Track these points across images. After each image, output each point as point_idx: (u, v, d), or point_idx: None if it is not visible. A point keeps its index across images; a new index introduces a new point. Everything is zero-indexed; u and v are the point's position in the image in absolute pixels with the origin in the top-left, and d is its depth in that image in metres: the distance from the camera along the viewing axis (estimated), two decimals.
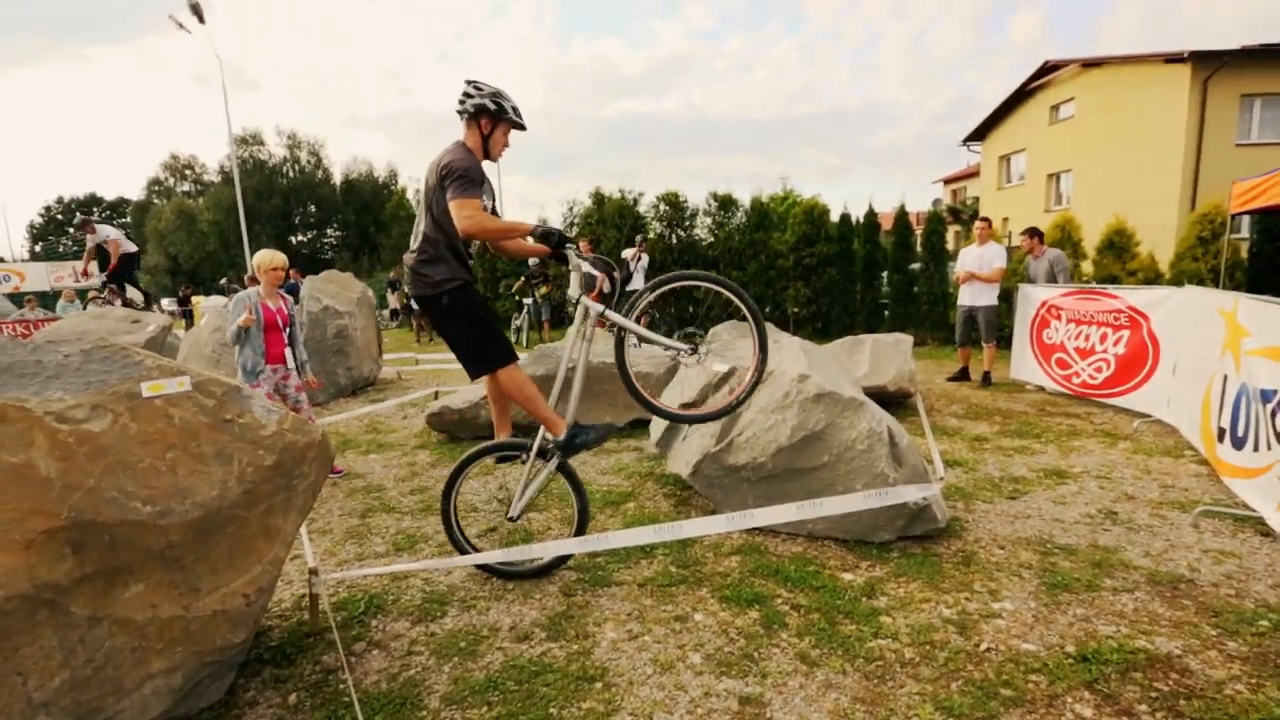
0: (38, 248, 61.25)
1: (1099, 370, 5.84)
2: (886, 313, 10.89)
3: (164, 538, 1.85)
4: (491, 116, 2.68)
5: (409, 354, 11.11)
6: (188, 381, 2.05)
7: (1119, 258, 8.76)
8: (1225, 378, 3.95)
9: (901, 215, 10.50)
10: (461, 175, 2.52)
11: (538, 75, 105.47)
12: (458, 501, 3.03)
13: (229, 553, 2.03)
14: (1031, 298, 6.77)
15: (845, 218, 11.00)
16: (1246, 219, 9.74)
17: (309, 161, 46.00)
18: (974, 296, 7.01)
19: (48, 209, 62.66)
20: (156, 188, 54.17)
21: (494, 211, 2.77)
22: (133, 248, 8.96)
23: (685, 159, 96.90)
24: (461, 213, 2.51)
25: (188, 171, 52.67)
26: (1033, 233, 7.21)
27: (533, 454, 2.85)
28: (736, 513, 2.80)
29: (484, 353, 2.78)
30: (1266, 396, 3.33)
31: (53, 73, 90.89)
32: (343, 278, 8.57)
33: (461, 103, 2.69)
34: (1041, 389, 6.61)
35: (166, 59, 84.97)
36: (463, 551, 2.97)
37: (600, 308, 2.72)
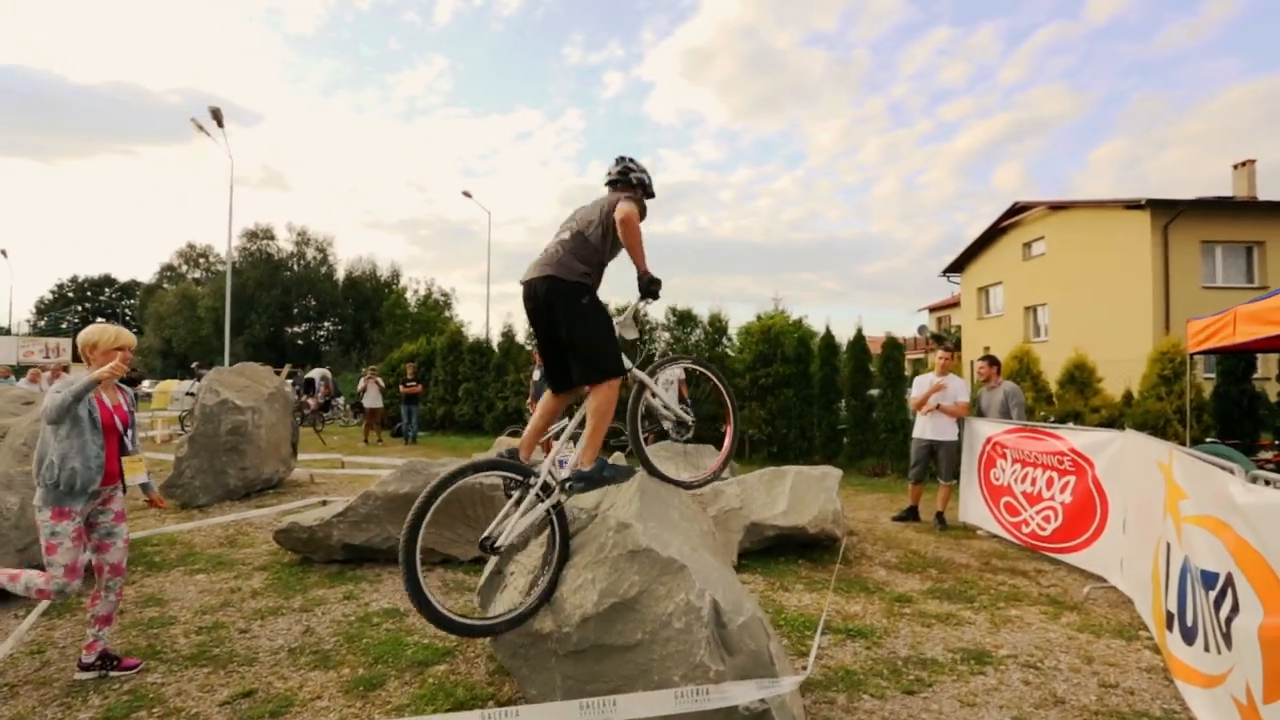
0: (43, 322, 62.06)
1: (1047, 520, 5.15)
2: (845, 439, 10.29)
3: None
4: (646, 191, 3.07)
5: (335, 455, 10.41)
6: None
7: (1081, 393, 8.30)
8: (1169, 546, 3.30)
9: (858, 340, 10.20)
10: (639, 201, 2.89)
11: (555, 192, 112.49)
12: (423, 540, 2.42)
13: None
14: (978, 433, 6.21)
15: (803, 338, 10.72)
16: (1211, 358, 9.39)
17: (315, 257, 47.55)
18: (936, 430, 6.40)
19: (60, 285, 64.17)
20: (169, 273, 55.78)
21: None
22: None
23: (688, 276, 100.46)
24: (629, 206, 2.70)
25: (201, 260, 54.44)
26: (991, 361, 6.73)
27: (537, 485, 2.65)
28: (494, 709, 2.07)
29: (606, 360, 2.76)
30: (1208, 581, 2.67)
31: (101, 163, 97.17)
32: (258, 371, 8.11)
33: (626, 175, 3.02)
34: (996, 537, 5.87)
35: (207, 158, 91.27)
36: (424, 605, 2.35)
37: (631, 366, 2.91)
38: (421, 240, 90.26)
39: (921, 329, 31.43)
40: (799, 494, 5.29)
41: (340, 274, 49.23)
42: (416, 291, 48.33)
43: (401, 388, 14.24)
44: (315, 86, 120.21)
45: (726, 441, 3.61)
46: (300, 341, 46.78)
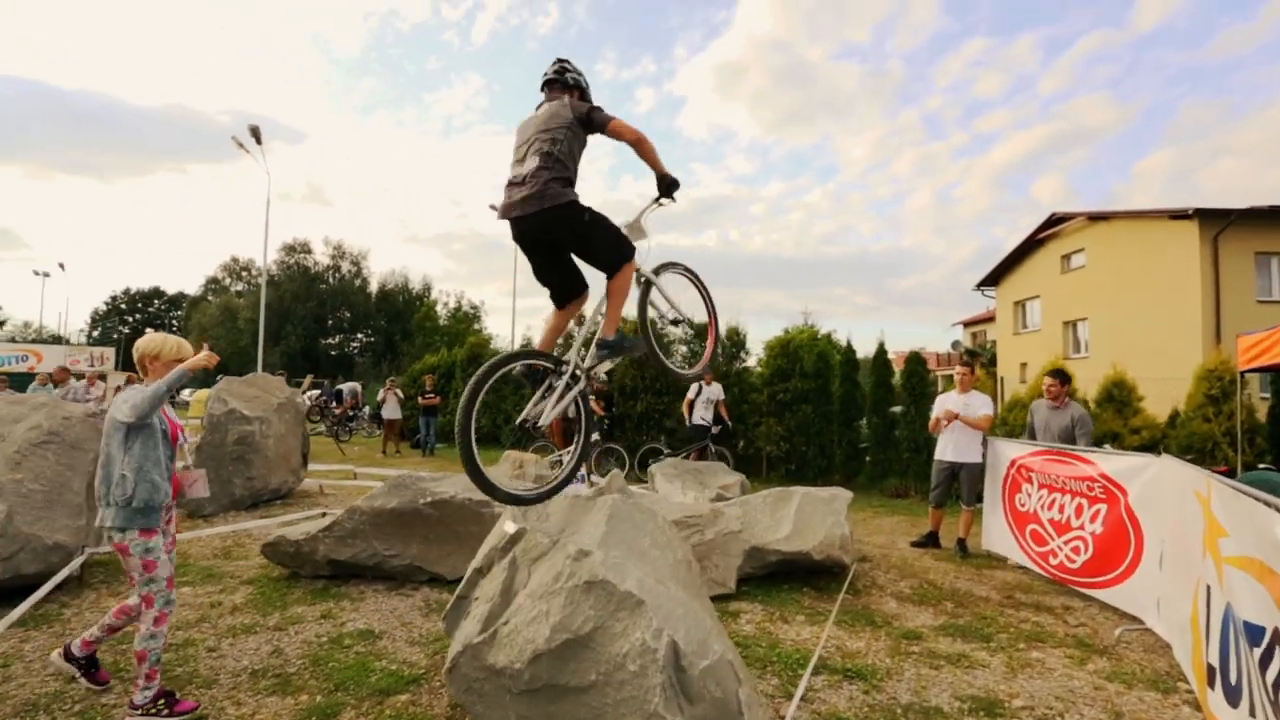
0: (96, 332, 65.00)
1: (1076, 551, 4.74)
2: (867, 458, 9.87)
3: None
4: (584, 93, 3.04)
5: (348, 466, 10.43)
6: None
7: (1119, 412, 7.78)
8: (1209, 589, 2.94)
9: (880, 355, 9.81)
10: (602, 108, 2.87)
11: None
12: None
13: None
14: (1002, 454, 5.81)
15: (822, 353, 10.37)
16: (1265, 377, 8.73)
17: (350, 270, 48.79)
18: (958, 452, 6.01)
19: (113, 298, 67.13)
20: (213, 286, 57.94)
21: None
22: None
23: (718, 290, 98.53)
24: (630, 125, 2.81)
25: (243, 273, 56.40)
26: (1061, 377, 5.77)
27: (568, 373, 2.84)
28: None
29: (621, 248, 2.89)
30: (1253, 636, 2.33)
31: (155, 181, 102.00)
32: (269, 381, 8.16)
33: (560, 74, 3.01)
34: (1022, 568, 5.45)
35: (252, 175, 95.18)
36: (482, 480, 2.50)
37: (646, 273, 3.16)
38: (455, 254, 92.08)
39: (955, 344, 30.49)
40: (805, 517, 5.00)
41: (373, 287, 50.44)
42: (446, 304, 49.17)
43: (420, 399, 14.30)
44: (356, 105, 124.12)
45: (709, 341, 3.93)
46: (334, 353, 47.92)
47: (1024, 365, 19.91)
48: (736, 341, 11.43)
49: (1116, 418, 7.78)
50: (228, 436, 7.02)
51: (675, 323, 3.55)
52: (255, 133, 24.04)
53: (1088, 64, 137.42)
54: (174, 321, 63.63)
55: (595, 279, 3.04)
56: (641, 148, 2.83)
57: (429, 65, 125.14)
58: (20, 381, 15.85)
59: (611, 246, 2.86)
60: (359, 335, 50.28)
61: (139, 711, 2.79)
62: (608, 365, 3.09)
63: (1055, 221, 20.15)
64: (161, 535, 2.90)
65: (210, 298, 54.56)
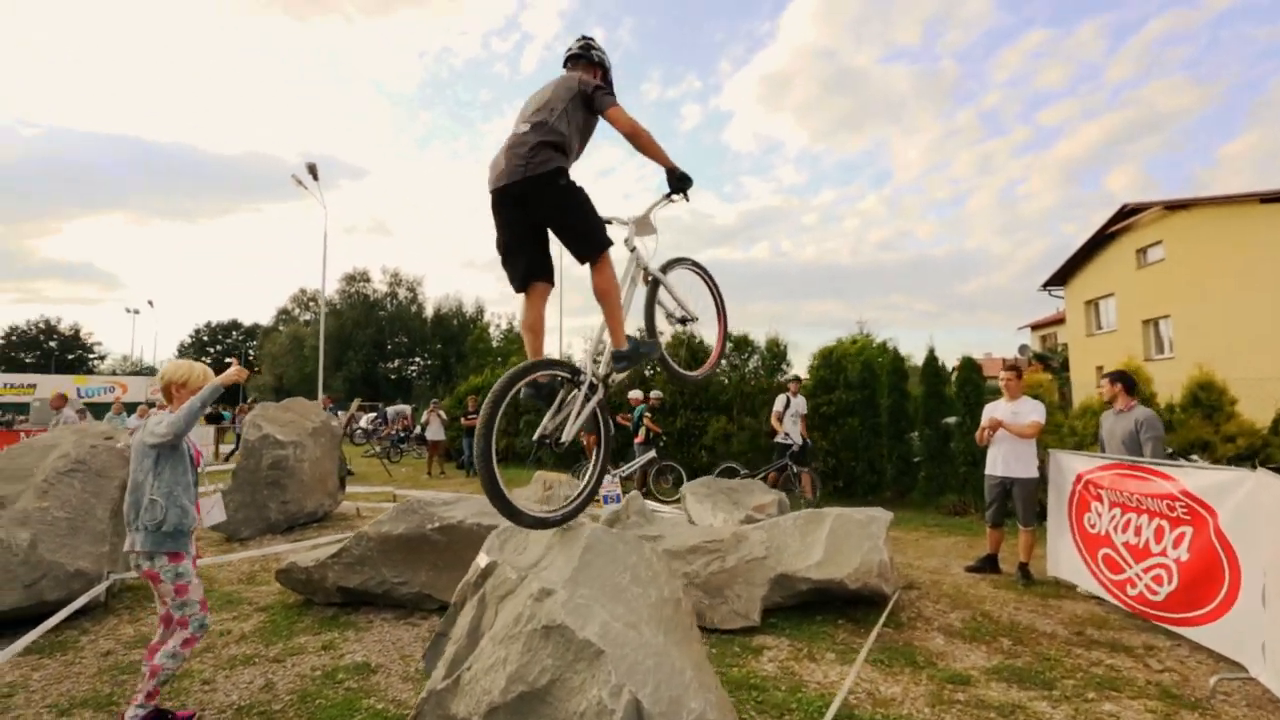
0: None
1: (1159, 581, 4.11)
2: (921, 473, 9.19)
3: None
4: (605, 73, 3.01)
5: (389, 489, 10.52)
6: None
7: (1209, 418, 6.92)
8: None
9: (930, 362, 9.15)
10: (609, 87, 2.87)
11: None
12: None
13: None
14: (1066, 468, 5.20)
15: (868, 363, 9.78)
16: None
17: (406, 296, 50.61)
18: (1008, 465, 5.45)
19: (196, 330, 72.08)
20: (283, 316, 61.30)
21: None
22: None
23: (770, 303, 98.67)
24: (627, 115, 2.68)
25: (310, 304, 59.42)
26: (1123, 380, 5.13)
27: (585, 383, 2.74)
28: None
29: (596, 234, 2.72)
30: None
31: (234, 220, 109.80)
32: (306, 406, 8.31)
33: (585, 50, 2.97)
34: (1096, 598, 4.81)
35: (321, 212, 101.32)
36: (504, 504, 2.35)
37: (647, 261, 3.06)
38: None
39: (1022, 349, 28.64)
40: (838, 541, 4.56)
41: (429, 311, 52.12)
42: (499, 326, 50.24)
43: (463, 420, 14.42)
44: (414, 139, 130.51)
45: (718, 340, 3.81)
46: (393, 376, 49.60)
47: (1100, 369, 18.43)
48: (777, 353, 10.97)
49: (1206, 424, 6.92)
50: (262, 461, 7.14)
51: (684, 321, 3.42)
52: (312, 170, 25.35)
53: (1159, 47, 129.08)
54: (249, 351, 67.60)
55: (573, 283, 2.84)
56: (638, 140, 2.68)
57: (481, 97, 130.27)
58: (102, 411, 17.07)
59: (589, 229, 2.69)
60: (416, 359, 51.90)
61: None
62: (624, 374, 3.03)
63: (1128, 213, 18.72)
64: (191, 557, 2.94)
65: (281, 328, 57.68)
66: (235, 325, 72.39)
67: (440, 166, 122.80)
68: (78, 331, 66.31)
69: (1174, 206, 17.38)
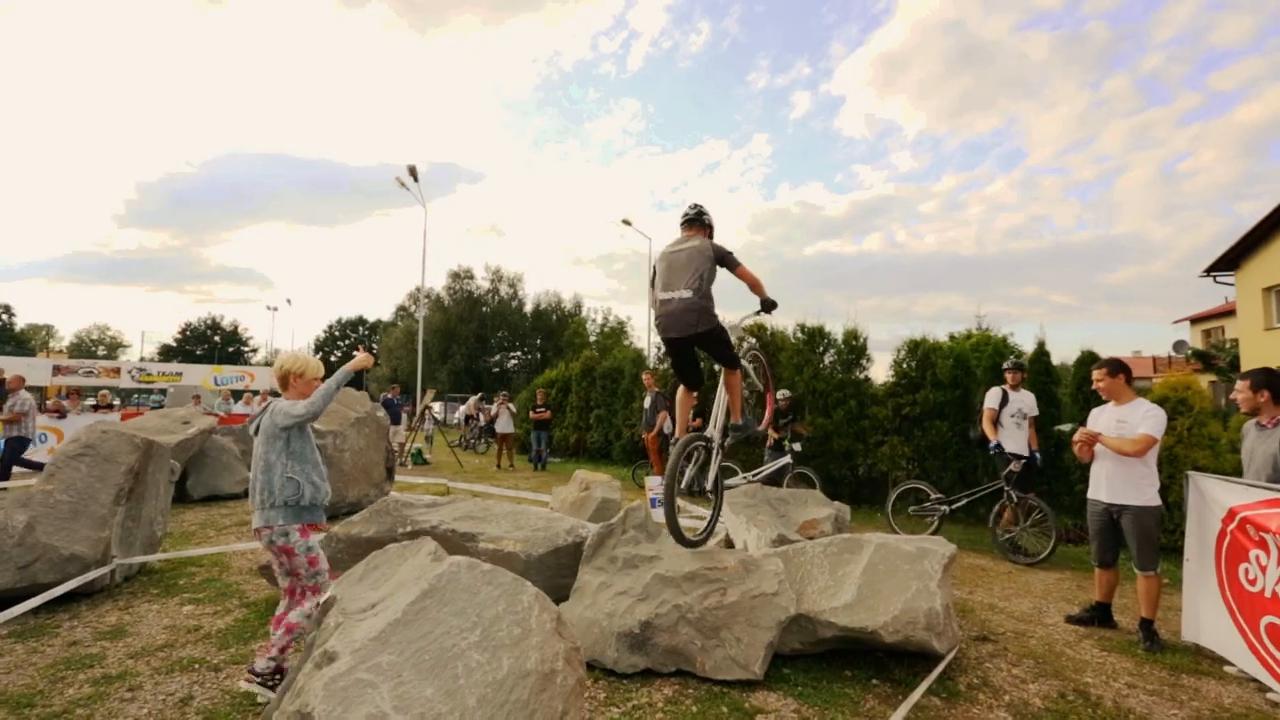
0: (317, 355, 77.54)
1: None
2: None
3: None
4: (711, 231, 4.09)
5: (442, 480, 10.50)
6: None
7: None
8: None
9: (1039, 357, 7.61)
10: (732, 253, 3.81)
11: (743, 219, 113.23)
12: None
13: None
14: (1212, 498, 3.88)
15: (962, 358, 8.37)
16: None
17: (507, 292, 52.51)
18: (1113, 488, 4.19)
19: (329, 326, 79.58)
20: (401, 312, 66.07)
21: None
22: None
23: (885, 298, 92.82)
24: (749, 271, 3.84)
25: (425, 299, 63.60)
26: (1271, 384, 3.87)
27: (716, 446, 4.03)
28: None
29: (733, 356, 3.93)
30: None
31: (367, 225, 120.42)
32: (351, 396, 8.36)
33: (699, 217, 4.04)
34: (1257, 684, 3.51)
35: (442, 214, 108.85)
36: (676, 531, 3.66)
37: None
38: (617, 273, 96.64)
39: (1178, 345, 24.45)
40: (877, 578, 3.63)
41: (529, 307, 53.82)
42: (594, 320, 50.96)
43: (531, 414, 14.33)
44: (526, 143, 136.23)
45: (769, 402, 5.27)
46: (495, 370, 51.73)
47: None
48: (855, 347, 9.75)
49: None
50: None
51: (753, 391, 4.80)
52: (412, 171, 26.68)
53: None
54: (374, 344, 73.64)
55: None
56: (756, 288, 3.92)
57: (590, 96, 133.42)
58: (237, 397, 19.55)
59: (730, 354, 3.90)
60: (516, 353, 53.81)
61: (257, 678, 3.00)
62: (738, 439, 4.52)
63: None
64: (317, 534, 3.22)
65: (399, 323, 62.12)
66: (361, 321, 79.10)
67: (551, 167, 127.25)
68: (236, 327, 75.54)
69: None
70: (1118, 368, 4.36)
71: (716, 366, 4.05)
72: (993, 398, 6.62)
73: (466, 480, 11.35)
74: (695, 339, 3.70)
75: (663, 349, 6.43)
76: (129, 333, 73.75)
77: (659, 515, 8.08)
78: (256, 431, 3.32)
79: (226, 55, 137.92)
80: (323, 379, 3.39)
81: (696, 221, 4.00)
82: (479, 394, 24.45)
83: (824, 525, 5.89)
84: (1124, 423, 4.18)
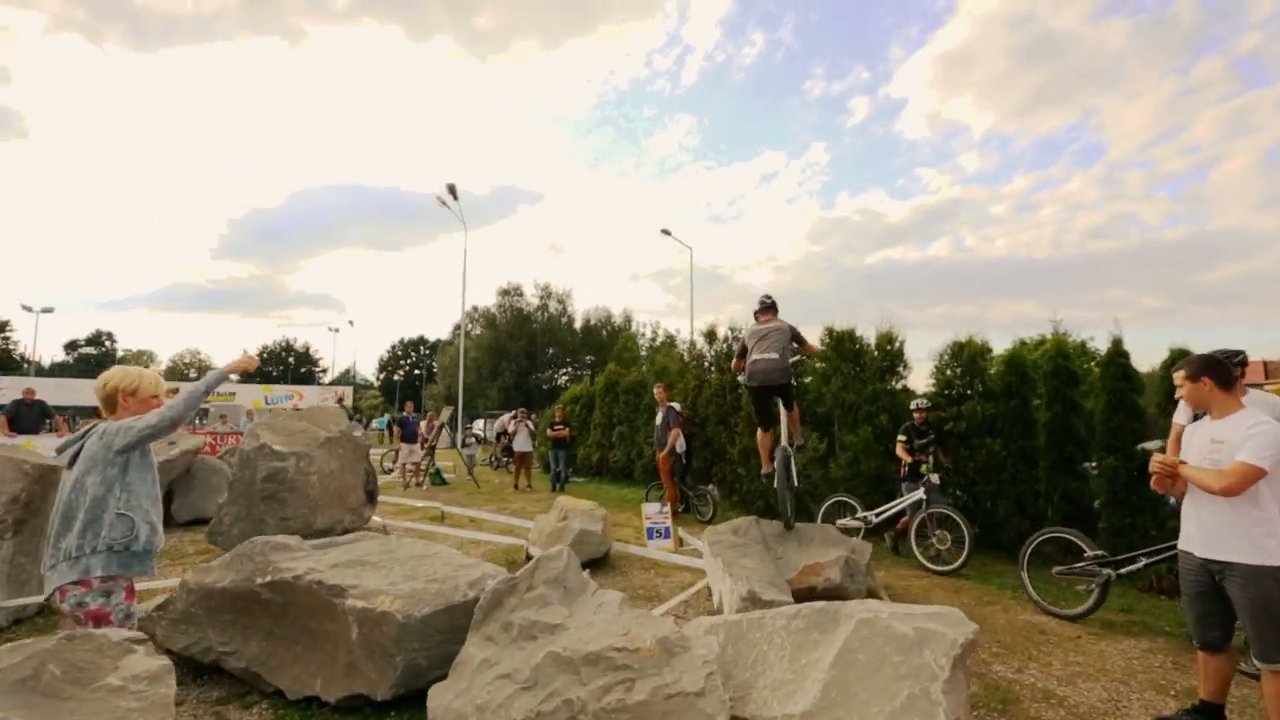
0: (382, 374, 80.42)
1: None
2: (1101, 524, 6.20)
3: None
4: (778, 311, 5.68)
5: (436, 504, 9.82)
6: None
7: None
8: None
9: (1114, 361, 6.13)
10: (803, 336, 5.55)
11: (802, 229, 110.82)
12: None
13: None
14: None
15: (1016, 362, 6.97)
16: None
17: (556, 309, 52.63)
18: (1211, 540, 2.92)
19: (393, 346, 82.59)
20: (457, 331, 67.75)
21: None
22: None
23: (953, 305, 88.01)
24: (813, 344, 6.05)
25: (481, 319, 64.85)
26: (1209, 369, 3.02)
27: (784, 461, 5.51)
28: None
29: (796, 397, 5.77)
30: None
31: (433, 247, 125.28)
32: (325, 414, 7.79)
33: (773, 304, 5.59)
34: None
35: (501, 236, 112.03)
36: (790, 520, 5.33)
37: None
38: (674, 288, 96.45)
39: None
40: (851, 675, 2.54)
41: (579, 323, 53.76)
42: (644, 335, 50.30)
43: (549, 431, 13.59)
44: (583, 162, 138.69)
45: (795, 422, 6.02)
46: (545, 386, 51.81)
47: None
48: (890, 353, 8.45)
49: None
50: (257, 473, 6.64)
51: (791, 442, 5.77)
52: (452, 189, 26.93)
53: None
54: (431, 364, 75.69)
55: None
56: (811, 354, 6.81)
57: (645, 113, 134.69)
58: None
59: (794, 395, 5.63)
60: (565, 369, 53.77)
61: None
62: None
63: None
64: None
65: (455, 341, 63.59)
66: (423, 340, 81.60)
67: (608, 185, 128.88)
68: (308, 349, 79.55)
69: None
70: (1203, 368, 3.05)
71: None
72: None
73: (475, 504, 10.69)
74: (777, 388, 5.32)
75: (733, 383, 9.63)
76: (216, 357, 78.80)
77: (655, 545, 7.09)
78: (73, 462, 2.64)
79: (307, 93, 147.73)
80: (162, 397, 2.77)
81: (771, 308, 5.54)
82: (515, 410, 24.12)
83: (829, 572, 4.77)
84: (1220, 444, 2.91)
